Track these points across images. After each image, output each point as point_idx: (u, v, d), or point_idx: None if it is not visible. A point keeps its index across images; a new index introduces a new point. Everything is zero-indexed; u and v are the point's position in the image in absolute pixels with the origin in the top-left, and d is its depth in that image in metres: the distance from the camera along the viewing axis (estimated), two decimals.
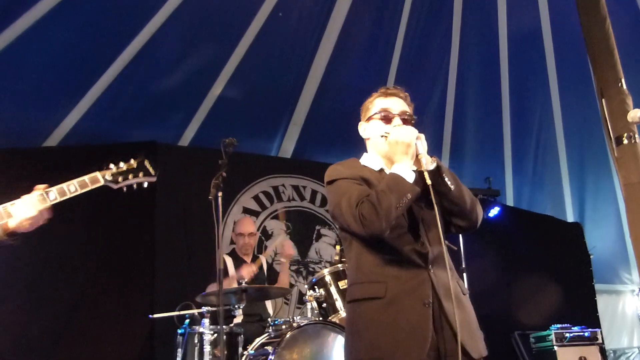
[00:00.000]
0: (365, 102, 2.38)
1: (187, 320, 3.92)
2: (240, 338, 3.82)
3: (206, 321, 3.73)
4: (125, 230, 5.38)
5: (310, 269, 6.27)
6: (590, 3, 3.50)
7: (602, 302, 8.18)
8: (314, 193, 6.64)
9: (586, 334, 6.26)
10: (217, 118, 6.19)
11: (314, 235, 6.47)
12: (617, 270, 8.61)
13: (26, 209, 2.24)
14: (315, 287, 3.95)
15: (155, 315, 4.14)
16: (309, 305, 3.90)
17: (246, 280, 4.42)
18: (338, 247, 4.30)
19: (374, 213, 1.96)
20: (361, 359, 2.02)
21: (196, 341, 3.75)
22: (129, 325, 5.10)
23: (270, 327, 3.75)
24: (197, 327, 3.79)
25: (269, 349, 3.48)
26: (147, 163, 2.76)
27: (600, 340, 6.31)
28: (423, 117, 7.10)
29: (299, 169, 6.72)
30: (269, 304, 4.85)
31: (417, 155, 2.08)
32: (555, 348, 6.10)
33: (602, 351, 6.37)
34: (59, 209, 2.36)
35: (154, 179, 2.75)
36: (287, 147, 6.90)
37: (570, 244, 8.20)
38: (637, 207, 3.14)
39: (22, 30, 4.83)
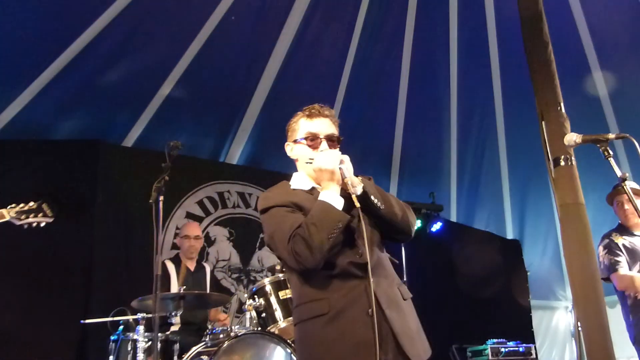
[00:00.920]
0: (291, 123, 2.38)
1: (121, 327, 3.81)
2: (176, 346, 3.74)
3: (141, 328, 3.64)
4: (62, 229, 5.14)
5: (252, 278, 6.20)
6: (534, 29, 3.62)
7: (536, 317, 8.44)
8: None
9: (521, 349, 6.42)
10: (165, 119, 6.06)
11: (257, 244, 6.41)
12: (552, 287, 8.89)
13: None
14: (255, 296, 3.91)
15: (88, 321, 4.01)
16: (247, 315, 3.85)
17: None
18: None
19: (306, 249, 1.97)
20: None
21: (129, 348, 3.66)
22: (59, 330, 4.89)
23: (208, 336, 3.68)
24: (131, 334, 3.68)
25: (205, 358, 3.42)
26: (45, 206, 3.10)
27: (534, 356, 6.49)
28: (372, 129, 7.17)
29: (246, 176, 6.66)
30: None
31: (343, 179, 2.10)
32: None
33: None
34: None
35: (50, 220, 3.12)
36: (235, 153, 6.82)
37: (508, 260, 8.42)
38: (571, 227, 3.25)
39: None
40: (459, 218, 8.38)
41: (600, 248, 4.11)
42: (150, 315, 3.64)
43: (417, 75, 6.94)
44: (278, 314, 3.82)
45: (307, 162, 2.24)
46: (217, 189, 6.40)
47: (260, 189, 6.55)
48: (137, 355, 3.56)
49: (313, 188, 2.25)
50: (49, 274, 5.06)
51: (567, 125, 3.31)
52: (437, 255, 7.60)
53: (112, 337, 3.80)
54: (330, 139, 2.27)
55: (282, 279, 3.92)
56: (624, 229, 4.18)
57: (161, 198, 3.28)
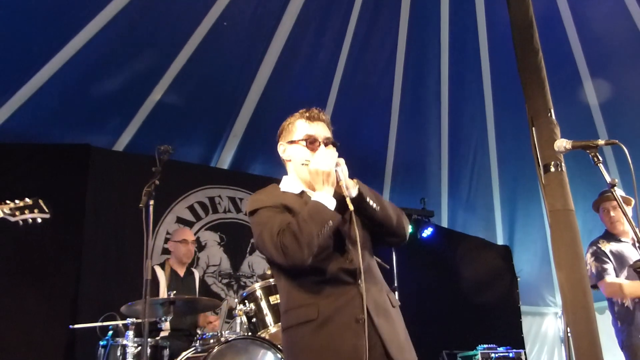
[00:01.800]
0: (286, 123, 2.36)
1: (111, 332, 3.78)
2: (166, 352, 3.72)
3: (130, 333, 3.61)
4: (51, 233, 5.11)
5: (242, 283, 6.18)
6: (524, 36, 3.64)
7: (526, 323, 8.46)
8: None
9: (511, 355, 6.43)
10: (155, 124, 6.04)
11: (248, 249, 6.39)
12: (541, 293, 8.92)
13: None
14: (246, 301, 3.90)
15: (77, 326, 3.98)
16: (238, 320, 3.84)
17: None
18: None
19: (295, 242, 1.95)
20: None
21: (119, 354, 3.64)
22: (48, 335, 4.86)
23: (198, 341, 3.66)
24: (120, 340, 3.66)
25: None
26: (41, 202, 3.11)
27: None
28: (364, 135, 7.19)
29: (237, 181, 6.65)
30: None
31: (338, 182, 2.09)
32: None
33: None
34: None
35: (47, 216, 3.11)
36: (226, 158, 6.81)
37: (499, 266, 8.45)
38: (560, 233, 3.25)
39: None
40: (450, 224, 8.41)
41: (588, 255, 4.12)
42: (139, 321, 3.61)
43: (408, 82, 6.96)
44: (269, 319, 3.81)
45: (302, 164, 2.22)
46: (208, 193, 6.38)
47: (250, 194, 6.52)
48: None
49: (303, 191, 2.24)
50: (38, 278, 5.01)
51: (557, 131, 3.32)
52: (428, 260, 7.61)
53: (101, 343, 3.77)
54: (327, 143, 2.26)
55: (272, 283, 3.90)
56: (610, 236, 4.19)
57: (151, 202, 3.28)
